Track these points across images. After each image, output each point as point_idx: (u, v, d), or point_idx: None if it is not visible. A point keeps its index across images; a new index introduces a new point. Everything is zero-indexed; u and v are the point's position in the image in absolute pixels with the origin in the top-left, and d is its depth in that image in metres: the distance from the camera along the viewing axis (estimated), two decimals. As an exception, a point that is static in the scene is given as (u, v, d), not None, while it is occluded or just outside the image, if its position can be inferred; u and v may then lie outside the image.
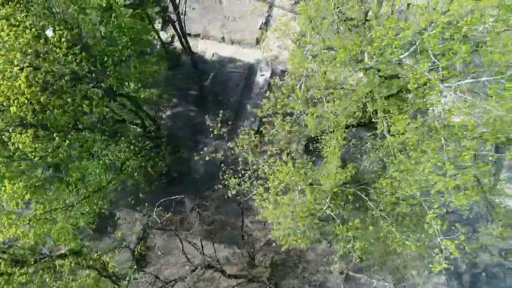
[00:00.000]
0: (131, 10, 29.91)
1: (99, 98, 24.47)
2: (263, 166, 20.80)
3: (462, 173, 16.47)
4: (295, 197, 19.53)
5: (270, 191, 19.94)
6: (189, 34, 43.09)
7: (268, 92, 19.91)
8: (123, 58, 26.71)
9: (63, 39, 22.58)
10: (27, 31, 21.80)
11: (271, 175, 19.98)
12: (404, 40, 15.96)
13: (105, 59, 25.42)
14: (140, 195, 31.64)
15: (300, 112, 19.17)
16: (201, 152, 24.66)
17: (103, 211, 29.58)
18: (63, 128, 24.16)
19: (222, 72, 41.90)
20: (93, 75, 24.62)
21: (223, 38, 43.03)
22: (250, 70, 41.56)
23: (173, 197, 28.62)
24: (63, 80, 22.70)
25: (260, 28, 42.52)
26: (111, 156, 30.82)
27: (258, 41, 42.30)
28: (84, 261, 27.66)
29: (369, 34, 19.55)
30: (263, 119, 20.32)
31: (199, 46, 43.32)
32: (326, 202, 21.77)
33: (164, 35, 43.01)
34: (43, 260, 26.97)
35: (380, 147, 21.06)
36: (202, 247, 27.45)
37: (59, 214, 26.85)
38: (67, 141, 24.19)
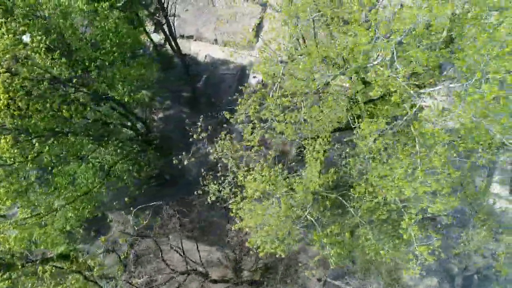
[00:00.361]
0: (117, 13, 29.88)
1: (80, 103, 24.39)
2: (238, 173, 20.58)
3: (433, 179, 16.23)
4: (272, 205, 19.30)
5: (245, 199, 19.76)
6: (182, 36, 43.06)
7: (240, 99, 19.74)
8: (107, 63, 26.55)
9: (41, 45, 22.52)
10: (5, 36, 21.78)
11: (247, 183, 19.80)
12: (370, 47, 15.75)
13: (88, 63, 25.33)
14: (126, 199, 31.56)
15: (271, 119, 18.95)
16: (189, 156, 24.22)
17: (88, 216, 29.53)
18: (43, 133, 24.08)
19: (214, 74, 41.76)
20: (75, 80, 24.52)
21: (216, 40, 42.88)
22: (243, 72, 41.34)
23: (152, 203, 28.42)
24: (42, 85, 22.61)
25: (253, 30, 42.32)
26: (100, 159, 30.82)
27: (251, 43, 42.10)
28: (71, 265, 27.68)
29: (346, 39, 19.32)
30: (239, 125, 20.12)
31: (192, 48, 43.19)
32: (307, 208, 21.61)
33: (157, 37, 42.93)
34: (28, 265, 27.00)
35: (355, 153, 20.84)
36: (184, 252, 27.31)
37: (44, 218, 26.88)
38: (47, 147, 24.10)
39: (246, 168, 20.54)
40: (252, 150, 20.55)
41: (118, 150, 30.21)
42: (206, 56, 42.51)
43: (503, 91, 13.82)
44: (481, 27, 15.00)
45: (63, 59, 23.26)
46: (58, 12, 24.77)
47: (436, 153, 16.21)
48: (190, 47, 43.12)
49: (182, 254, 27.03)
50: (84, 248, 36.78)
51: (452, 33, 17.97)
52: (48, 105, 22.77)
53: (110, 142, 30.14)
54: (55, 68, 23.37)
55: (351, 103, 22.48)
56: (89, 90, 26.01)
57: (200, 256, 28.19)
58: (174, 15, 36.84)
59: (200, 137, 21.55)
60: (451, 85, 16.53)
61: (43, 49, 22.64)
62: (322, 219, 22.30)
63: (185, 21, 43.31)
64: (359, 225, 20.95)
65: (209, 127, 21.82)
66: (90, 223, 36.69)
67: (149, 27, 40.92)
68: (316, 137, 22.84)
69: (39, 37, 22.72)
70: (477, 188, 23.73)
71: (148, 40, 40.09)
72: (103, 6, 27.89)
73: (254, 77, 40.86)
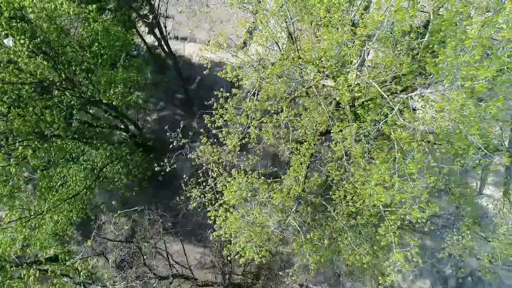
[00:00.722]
0: (106, 16, 29.85)
1: (65, 106, 24.32)
2: (218, 179, 20.42)
3: (409, 186, 16.02)
4: (250, 211, 19.13)
5: (222, 206, 19.60)
6: (177, 38, 43.02)
7: (215, 103, 19.62)
8: (93, 66, 26.49)
9: (23, 48, 22.47)
10: (-14, 41, 21.78)
11: (224, 190, 19.67)
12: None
13: (73, 67, 25.28)
14: (113, 202, 31.53)
15: (246, 123, 18.80)
16: (172, 160, 24.03)
17: (78, 218, 29.47)
18: (27, 137, 24.05)
19: (208, 76, 41.48)
20: (59, 83, 24.46)
21: (210, 41, 42.61)
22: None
23: (133, 208, 28.32)
24: (24, 89, 22.58)
25: (246, 32, 42.11)
26: (91, 162, 30.79)
27: (245, 45, 41.93)
28: (58, 268, 27.58)
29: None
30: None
31: (186, 50, 43.13)
32: (291, 213, 21.43)
33: (151, 39, 42.85)
34: (16, 268, 26.98)
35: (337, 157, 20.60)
36: (168, 255, 27.20)
37: (31, 222, 26.84)
38: (30, 150, 24.05)
39: (226, 174, 20.38)
40: (230, 155, 20.42)
41: (107, 153, 30.17)
42: (200, 58, 42.41)
43: (470, 100, 13.62)
44: (453, 32, 14.81)
45: (46, 63, 23.15)
46: (43, 16, 24.68)
47: (412, 159, 16.03)
48: (184, 49, 43.08)
49: (166, 257, 26.92)
50: (79, 250, 36.80)
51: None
52: (30, 108, 22.75)
53: (99, 144, 30.17)
54: (38, 72, 23.26)
55: (336, 106, 22.31)
56: (75, 94, 25.92)
57: (187, 259, 28.07)
58: (166, 17, 36.72)
59: (179, 144, 21.43)
60: (426, 91, 16.34)
61: (26, 53, 22.56)
62: (306, 224, 22.11)
63: (179, 23, 43.24)
64: (341, 231, 20.80)
65: (190, 133, 21.63)
66: (85, 225, 36.81)
67: (144, 29, 40.82)
68: (303, 141, 22.68)
69: (22, 41, 22.64)
70: (463, 188, 23.41)
71: (142, 42, 40.06)
72: (92, 9, 27.90)
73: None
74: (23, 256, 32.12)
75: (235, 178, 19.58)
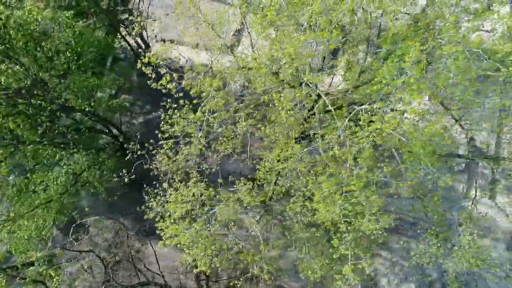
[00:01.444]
0: (82, 22, 29.83)
1: (28, 114, 24.35)
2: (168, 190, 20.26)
3: (350, 203, 15.78)
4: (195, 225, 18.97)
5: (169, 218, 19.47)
6: (164, 40, 42.88)
7: (163, 115, 19.47)
8: (62, 72, 26.48)
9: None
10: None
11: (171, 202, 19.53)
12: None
13: (40, 74, 25.28)
14: (86, 208, 31.55)
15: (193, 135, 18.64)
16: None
17: (52, 224, 29.50)
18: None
19: (195, 79, 41.35)
20: (25, 91, 24.47)
21: (197, 44, 42.56)
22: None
23: (90, 219, 28.15)
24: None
25: (234, 34, 41.94)
26: (73, 166, 30.83)
27: (232, 48, 41.64)
28: (33, 273, 27.70)
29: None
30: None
31: (173, 52, 42.98)
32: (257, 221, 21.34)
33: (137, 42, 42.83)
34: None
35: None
36: (134, 263, 27.07)
37: (6, 227, 26.99)
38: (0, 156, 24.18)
39: (176, 186, 20.22)
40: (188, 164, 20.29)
41: (84, 159, 30.19)
42: (187, 60, 42.28)
43: (406, 123, 13.42)
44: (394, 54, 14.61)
45: (10, 71, 23.19)
46: (11, 23, 24.67)
47: (356, 176, 15.75)
48: (171, 52, 42.92)
49: (134, 266, 26.84)
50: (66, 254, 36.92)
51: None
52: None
53: (76, 150, 30.14)
54: (3, 79, 23.28)
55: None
56: (45, 100, 25.93)
57: (159, 266, 27.92)
58: (145, 20, 36.64)
59: (135, 155, 21.34)
60: (374, 105, 16.03)
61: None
62: (267, 234, 21.98)
63: (166, 25, 43.10)
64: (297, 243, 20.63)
65: (146, 144, 21.45)
66: (69, 228, 36.93)
67: (126, 32, 40.77)
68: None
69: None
70: (430, 197, 23.05)
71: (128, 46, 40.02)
72: (67, 15, 27.90)
73: (236, 81, 40.43)
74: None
75: (176, 189, 19.47)
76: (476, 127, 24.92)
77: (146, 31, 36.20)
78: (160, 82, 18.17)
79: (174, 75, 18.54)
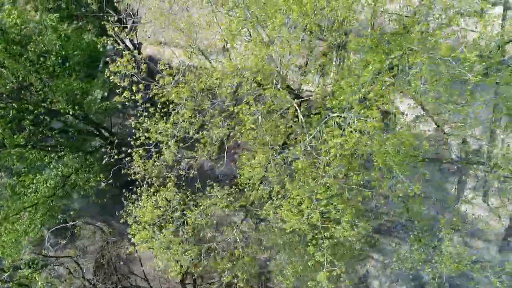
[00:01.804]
0: (67, 25, 29.81)
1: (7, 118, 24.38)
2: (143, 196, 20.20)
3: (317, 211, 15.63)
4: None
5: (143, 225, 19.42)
6: (157, 42, 42.75)
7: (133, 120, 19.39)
8: (45, 76, 26.47)
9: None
10: None
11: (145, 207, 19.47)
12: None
13: (22, 78, 25.30)
14: (71, 212, 31.56)
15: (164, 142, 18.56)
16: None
17: (40, 227, 29.52)
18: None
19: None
20: (5, 96, 24.51)
21: (190, 46, 42.35)
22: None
23: (69, 223, 28.10)
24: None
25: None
26: (61, 169, 30.84)
27: (224, 49, 41.49)
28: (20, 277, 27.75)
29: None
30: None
31: (166, 54, 42.88)
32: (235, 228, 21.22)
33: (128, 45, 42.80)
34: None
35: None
36: (115, 268, 27.02)
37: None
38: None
39: (153, 190, 20.17)
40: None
41: (71, 162, 30.21)
42: (179, 62, 42.12)
43: (364, 138, 13.31)
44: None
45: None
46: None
47: (323, 184, 15.61)
48: (164, 54, 42.81)
49: (114, 272, 26.80)
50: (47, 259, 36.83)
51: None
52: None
53: (64, 153, 30.15)
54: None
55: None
56: (29, 103, 25.96)
57: (144, 271, 27.91)
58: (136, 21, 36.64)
59: (113, 159, 21.30)
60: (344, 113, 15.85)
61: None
62: (246, 240, 21.88)
63: (158, 28, 43.01)
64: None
65: (123, 149, 21.42)
66: (61, 230, 36.97)
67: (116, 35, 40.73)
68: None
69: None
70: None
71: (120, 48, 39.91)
72: (52, 18, 27.83)
73: (228, 84, 40.21)
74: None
75: (154, 194, 19.44)
76: (459, 132, 24.63)
77: (136, 33, 36.15)
78: (123, 95, 17.85)
79: (140, 85, 18.16)
